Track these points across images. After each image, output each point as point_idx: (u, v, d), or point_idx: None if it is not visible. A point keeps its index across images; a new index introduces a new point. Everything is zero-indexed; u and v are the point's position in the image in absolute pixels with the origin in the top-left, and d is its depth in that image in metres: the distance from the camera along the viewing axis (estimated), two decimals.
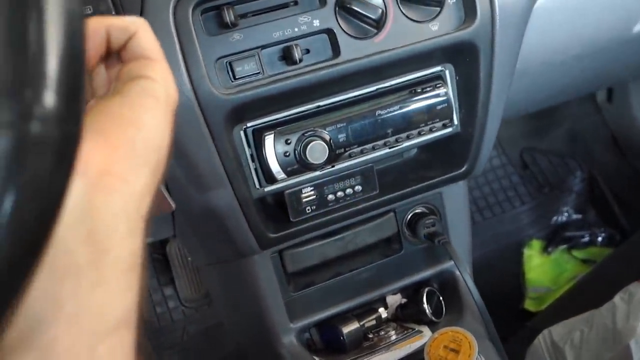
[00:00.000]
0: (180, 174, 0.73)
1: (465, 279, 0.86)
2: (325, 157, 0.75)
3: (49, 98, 0.27)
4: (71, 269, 0.32)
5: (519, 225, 1.77)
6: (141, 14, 0.64)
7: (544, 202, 1.79)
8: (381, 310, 0.96)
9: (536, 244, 1.70)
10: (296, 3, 0.73)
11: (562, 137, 1.86)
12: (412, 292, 0.98)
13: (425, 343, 0.82)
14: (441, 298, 0.94)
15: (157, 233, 1.17)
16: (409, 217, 0.94)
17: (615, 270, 1.34)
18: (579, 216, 1.75)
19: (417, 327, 0.93)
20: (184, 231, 0.97)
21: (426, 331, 0.91)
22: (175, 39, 0.66)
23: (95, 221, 0.32)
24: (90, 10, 0.62)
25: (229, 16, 0.68)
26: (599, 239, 1.69)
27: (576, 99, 1.74)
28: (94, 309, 0.32)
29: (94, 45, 0.40)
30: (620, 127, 1.71)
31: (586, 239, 1.69)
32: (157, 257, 1.58)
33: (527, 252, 1.68)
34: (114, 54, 0.42)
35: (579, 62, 0.98)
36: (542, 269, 1.64)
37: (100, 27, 0.40)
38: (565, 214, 1.75)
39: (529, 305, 1.53)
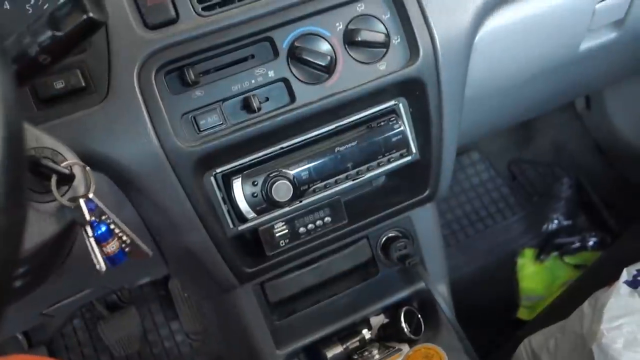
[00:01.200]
0: (157, 221, 0.80)
1: (436, 297, 0.91)
2: (291, 195, 0.81)
3: None
4: None
5: (511, 235, 1.81)
6: (108, 80, 0.71)
7: (534, 211, 1.84)
8: (365, 331, 1.01)
9: (528, 253, 1.74)
10: (253, 56, 0.79)
11: (547, 147, 1.90)
12: (394, 312, 1.03)
13: None
14: (420, 316, 0.99)
15: (153, 272, 1.24)
16: (383, 241, 0.99)
17: (602, 275, 1.37)
18: (569, 222, 1.79)
19: (397, 346, 0.98)
20: (174, 269, 1.03)
21: (405, 349, 0.96)
22: (141, 100, 0.72)
23: None
24: (62, 84, 0.69)
25: (189, 75, 0.75)
26: (590, 243, 1.73)
27: (557, 109, 1.79)
28: None
29: None
30: (601, 133, 1.75)
31: (577, 244, 1.73)
32: (162, 294, 1.65)
33: (520, 261, 1.72)
34: None
35: (533, 83, 1.03)
36: (536, 277, 1.68)
37: None
38: (556, 221, 1.79)
39: (522, 314, 1.57)
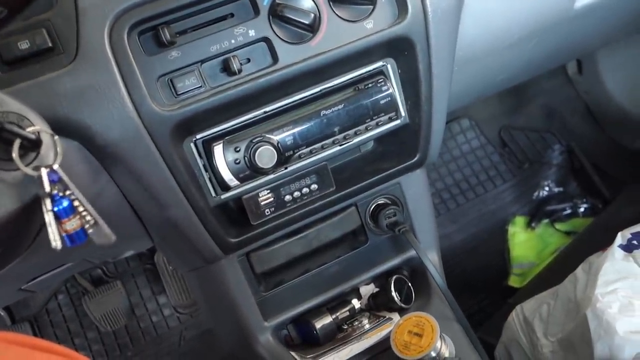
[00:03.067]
0: (136, 192, 0.76)
1: (426, 264, 0.89)
2: (275, 161, 0.77)
3: None
4: None
5: (502, 203, 1.80)
6: (77, 41, 0.67)
7: (525, 178, 1.82)
8: (354, 301, 0.98)
9: (520, 221, 1.72)
10: (232, 15, 0.75)
11: (538, 113, 1.88)
12: (384, 281, 1.00)
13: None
14: (410, 285, 0.97)
15: (137, 245, 1.21)
16: (372, 208, 0.96)
17: (594, 241, 1.36)
18: (560, 189, 1.77)
19: (388, 315, 0.95)
20: (158, 242, 1.00)
21: (396, 318, 0.94)
22: (113, 62, 0.68)
23: None
24: (27, 44, 0.65)
25: (164, 35, 0.70)
26: (581, 210, 1.71)
27: (547, 73, 1.75)
28: None
29: None
30: (593, 97, 1.72)
31: (568, 211, 1.71)
32: (148, 267, 1.62)
33: (511, 229, 1.71)
34: None
35: (526, 43, 0.99)
36: (527, 244, 1.67)
37: None
38: (547, 188, 1.78)
39: (513, 281, 1.56)
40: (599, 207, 1.71)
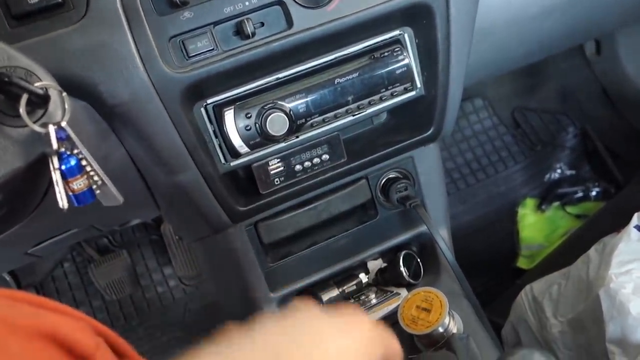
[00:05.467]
0: (144, 156, 0.75)
1: (437, 239, 0.87)
2: (286, 129, 0.76)
3: None
4: None
5: (513, 185, 1.77)
6: None
7: (537, 160, 1.79)
8: (362, 275, 0.97)
9: (530, 202, 1.70)
10: None
11: (553, 94, 1.84)
12: (392, 257, 0.99)
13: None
14: (419, 260, 0.96)
15: (144, 213, 1.20)
16: (383, 182, 0.94)
17: (608, 223, 1.34)
18: (573, 172, 1.75)
19: (395, 290, 0.94)
20: (165, 210, 0.99)
21: (404, 293, 0.93)
22: (124, 19, 0.66)
23: None
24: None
25: None
26: (593, 193, 1.69)
27: (564, 54, 1.72)
28: None
29: None
30: (611, 79, 1.69)
31: (579, 194, 1.69)
32: (154, 239, 1.62)
33: (521, 211, 1.69)
34: None
35: (547, 17, 0.97)
36: (536, 226, 1.65)
37: None
38: (559, 171, 1.75)
39: (522, 263, 1.55)
40: (611, 192, 1.69)
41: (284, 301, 0.94)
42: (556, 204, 1.69)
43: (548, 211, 1.68)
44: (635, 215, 0.95)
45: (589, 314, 0.86)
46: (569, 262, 1.04)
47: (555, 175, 1.75)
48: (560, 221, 1.65)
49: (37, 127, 0.57)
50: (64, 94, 0.59)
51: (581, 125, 1.78)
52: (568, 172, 1.75)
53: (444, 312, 0.78)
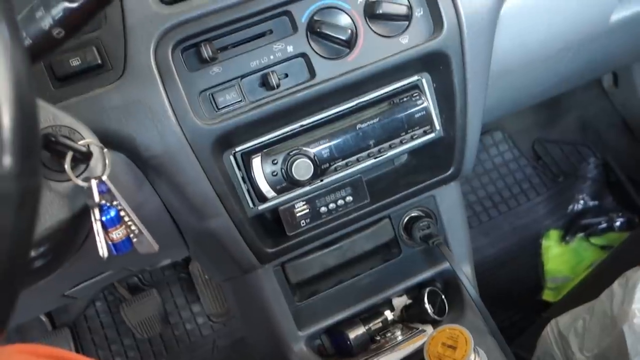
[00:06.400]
0: (177, 202, 0.79)
1: (460, 276, 0.89)
2: (311, 173, 0.79)
3: (6, 159, 0.32)
4: None
5: (536, 216, 1.78)
6: (125, 58, 0.70)
7: (559, 191, 1.80)
8: (387, 312, 0.99)
9: (554, 234, 1.71)
10: (271, 32, 0.77)
11: (572, 125, 1.86)
12: (417, 293, 1.01)
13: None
14: (444, 297, 0.97)
15: (174, 254, 1.24)
16: (405, 220, 0.97)
17: (633, 254, 1.34)
18: (596, 203, 1.75)
19: (421, 327, 0.96)
20: (195, 251, 1.03)
21: (429, 330, 0.94)
22: (158, 77, 0.71)
23: None
24: (79, 61, 0.68)
25: (207, 52, 0.73)
26: (617, 224, 1.69)
27: (583, 86, 1.74)
28: None
29: None
30: (630, 110, 1.70)
31: (603, 225, 1.69)
32: (183, 277, 1.65)
33: (545, 242, 1.69)
34: None
35: (560, 58, 0.99)
36: (561, 258, 1.65)
37: None
38: (582, 202, 1.75)
39: (547, 295, 1.54)
40: (636, 222, 1.68)
41: (311, 339, 0.96)
42: (580, 235, 1.69)
43: (572, 243, 1.68)
44: None
45: (614, 350, 0.87)
46: (594, 295, 1.04)
47: (578, 206, 1.75)
48: (585, 252, 1.65)
49: (80, 182, 0.61)
50: (105, 149, 0.63)
51: (602, 155, 1.79)
52: (591, 203, 1.75)
53: (469, 349, 0.80)
